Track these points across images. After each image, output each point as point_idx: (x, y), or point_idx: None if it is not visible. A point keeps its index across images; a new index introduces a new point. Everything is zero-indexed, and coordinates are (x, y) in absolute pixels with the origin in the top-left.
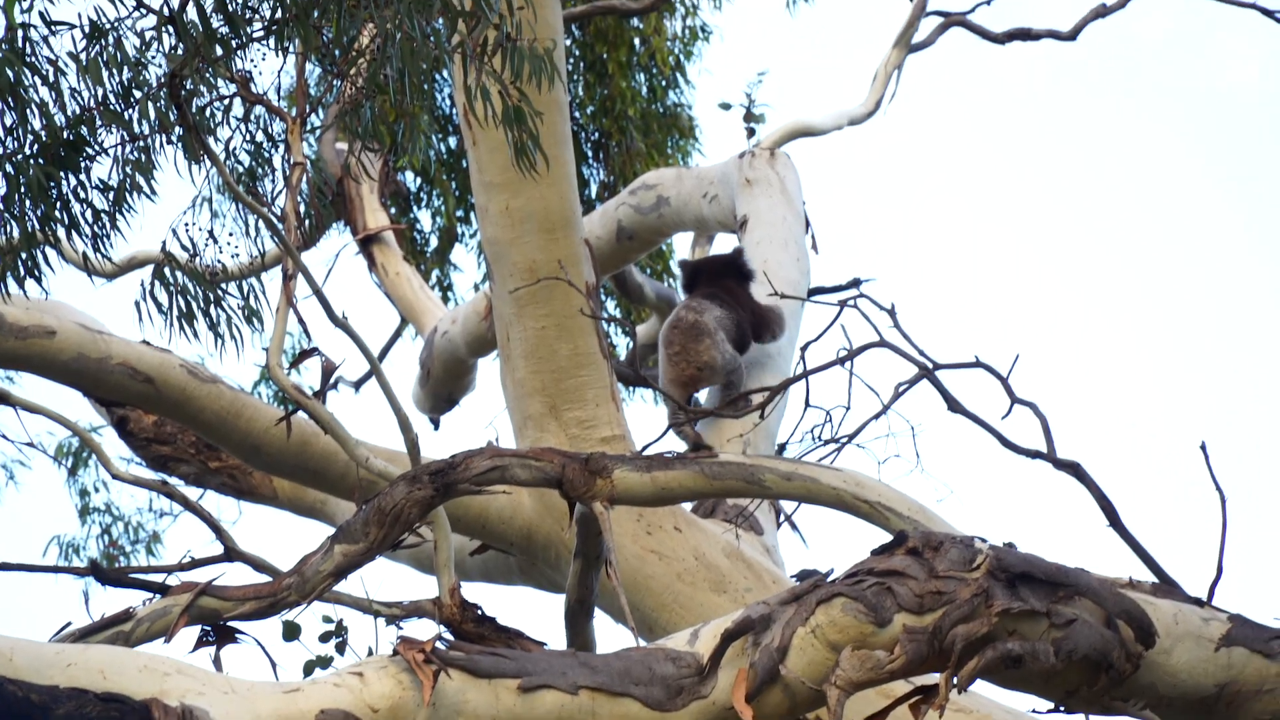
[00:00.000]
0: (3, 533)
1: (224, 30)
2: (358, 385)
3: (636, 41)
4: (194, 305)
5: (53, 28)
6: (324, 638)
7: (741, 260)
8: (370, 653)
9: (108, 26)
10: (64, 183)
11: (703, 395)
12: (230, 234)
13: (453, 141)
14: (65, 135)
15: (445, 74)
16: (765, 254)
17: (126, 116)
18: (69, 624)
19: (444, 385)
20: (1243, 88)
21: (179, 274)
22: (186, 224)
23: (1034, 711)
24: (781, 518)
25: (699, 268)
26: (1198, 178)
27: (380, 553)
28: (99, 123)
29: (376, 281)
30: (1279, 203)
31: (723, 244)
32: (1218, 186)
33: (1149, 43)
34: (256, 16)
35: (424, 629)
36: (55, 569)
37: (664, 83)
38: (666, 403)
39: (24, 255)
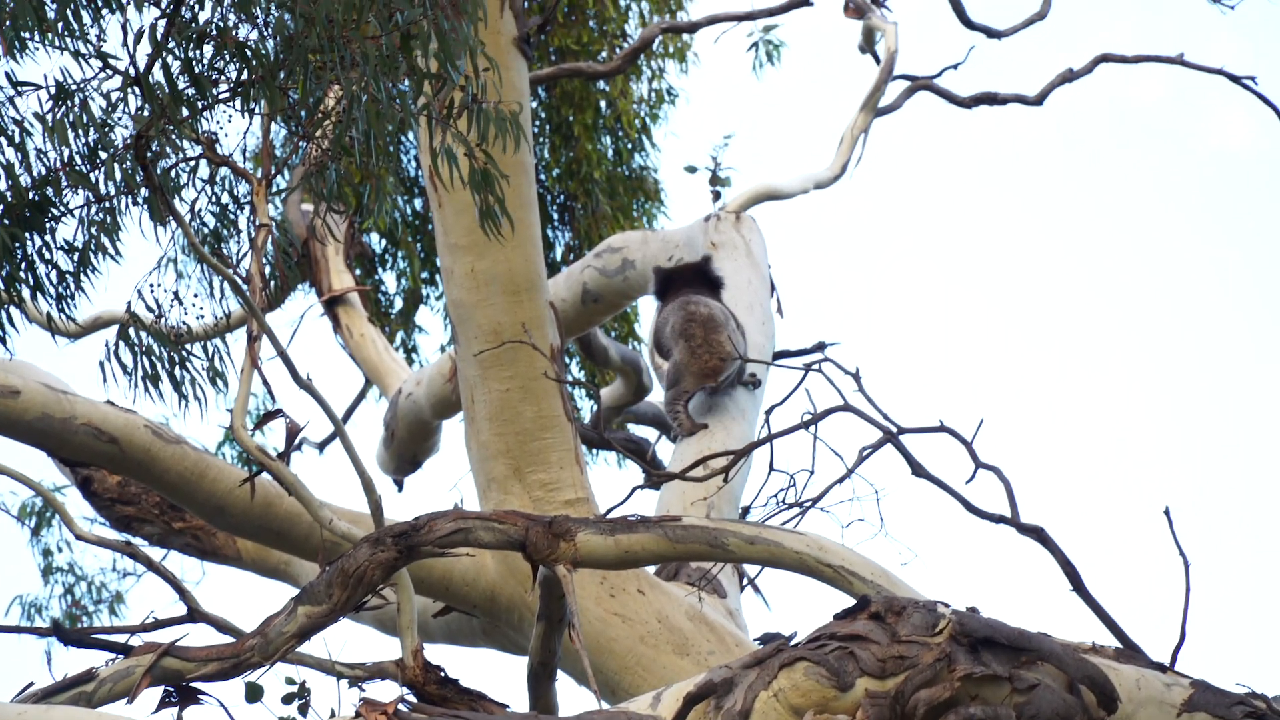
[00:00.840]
0: None
1: (190, 92)
2: (322, 447)
3: (603, 104)
4: (159, 366)
5: (18, 89)
6: (287, 699)
7: (710, 268)
8: (333, 715)
9: (74, 88)
10: (29, 243)
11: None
12: (195, 295)
13: (418, 203)
14: (31, 196)
15: (411, 136)
16: None
17: (92, 178)
18: (31, 684)
19: (408, 447)
20: (1223, 152)
21: (144, 334)
22: (152, 285)
23: None
24: (745, 581)
25: (671, 274)
26: (1167, 242)
27: (344, 614)
28: (65, 183)
29: (341, 343)
30: (1247, 267)
31: None
32: (1185, 251)
33: (1121, 106)
34: (223, 78)
35: (387, 691)
36: (18, 629)
37: (630, 146)
38: (666, 393)
39: None
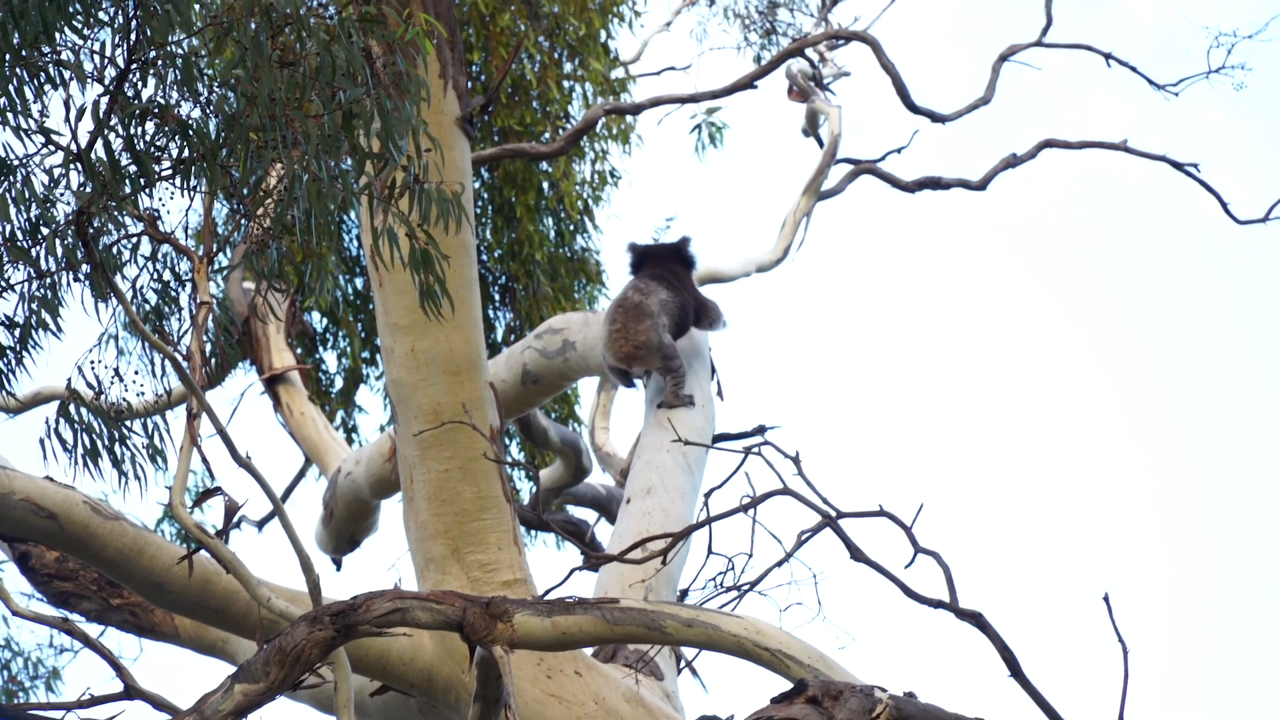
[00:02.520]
0: None
1: (132, 168)
2: (261, 525)
3: (546, 185)
4: (98, 442)
5: None
6: None
7: (687, 247)
8: None
9: (16, 163)
10: None
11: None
12: (136, 372)
13: (359, 283)
14: None
15: (353, 214)
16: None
17: (34, 253)
18: None
19: (347, 526)
20: (1169, 232)
21: (84, 411)
22: (92, 361)
23: None
24: (682, 664)
25: (646, 251)
26: (1106, 325)
27: (281, 692)
28: (6, 259)
29: (281, 421)
30: (1190, 351)
31: (626, 393)
32: (1125, 335)
33: (1065, 191)
34: (164, 155)
35: None
36: None
37: (572, 227)
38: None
39: None
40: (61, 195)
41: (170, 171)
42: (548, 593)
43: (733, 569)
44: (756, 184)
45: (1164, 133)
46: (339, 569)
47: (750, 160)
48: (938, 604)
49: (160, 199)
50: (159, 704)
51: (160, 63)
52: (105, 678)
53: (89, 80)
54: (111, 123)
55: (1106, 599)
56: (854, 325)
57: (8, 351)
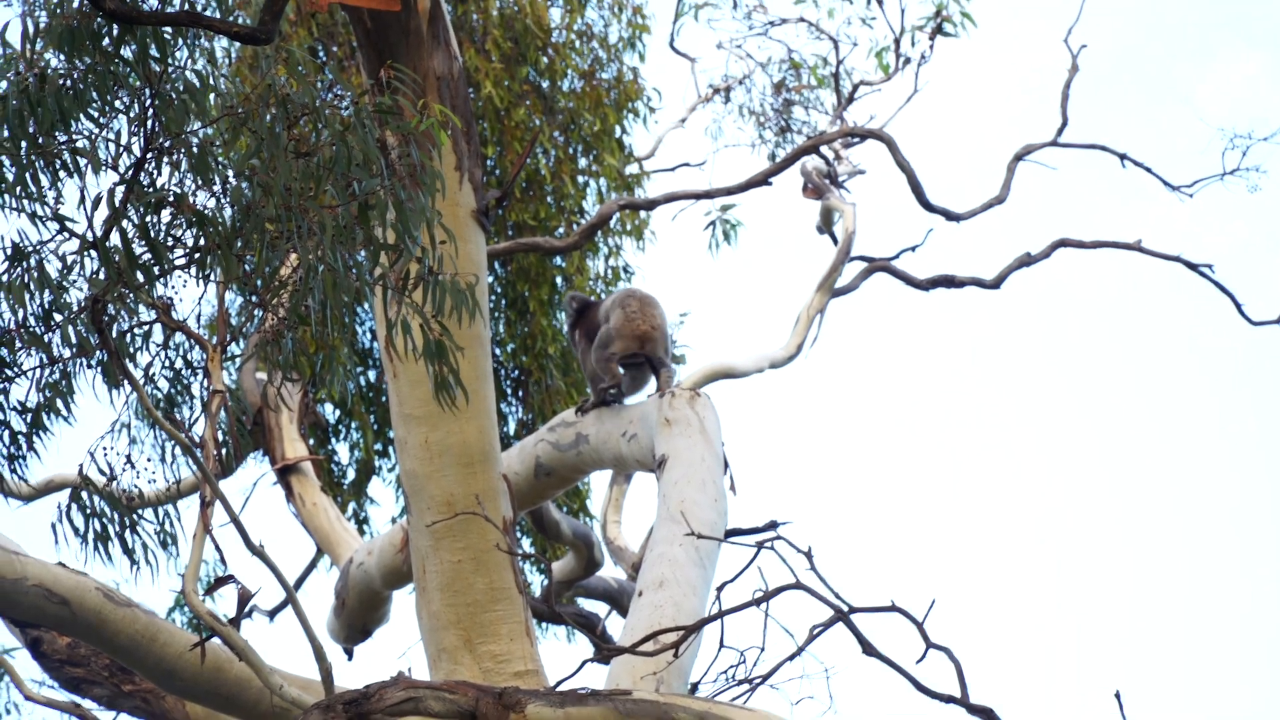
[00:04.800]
0: None
1: (146, 257)
2: (272, 614)
3: (559, 279)
4: (110, 529)
5: None
6: None
7: None
8: None
9: (30, 249)
10: None
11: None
12: (148, 460)
13: (372, 375)
14: None
15: (367, 306)
16: (683, 494)
17: (46, 339)
18: None
19: (358, 616)
20: (1183, 331)
21: (96, 498)
22: (105, 448)
23: None
24: None
25: (587, 302)
26: (1122, 425)
27: None
28: (19, 344)
29: (294, 511)
30: (1207, 448)
31: (641, 482)
32: (1141, 435)
33: (1081, 289)
34: (179, 244)
35: None
36: None
37: None
38: (593, 357)
39: None
40: (75, 282)
41: (185, 260)
42: (560, 684)
43: (744, 662)
44: (770, 280)
45: (1182, 234)
46: (350, 658)
47: (764, 257)
48: (949, 699)
49: (174, 287)
50: None
51: (176, 152)
52: None
53: (104, 168)
54: (127, 211)
55: (1118, 696)
56: (867, 422)
57: (20, 437)
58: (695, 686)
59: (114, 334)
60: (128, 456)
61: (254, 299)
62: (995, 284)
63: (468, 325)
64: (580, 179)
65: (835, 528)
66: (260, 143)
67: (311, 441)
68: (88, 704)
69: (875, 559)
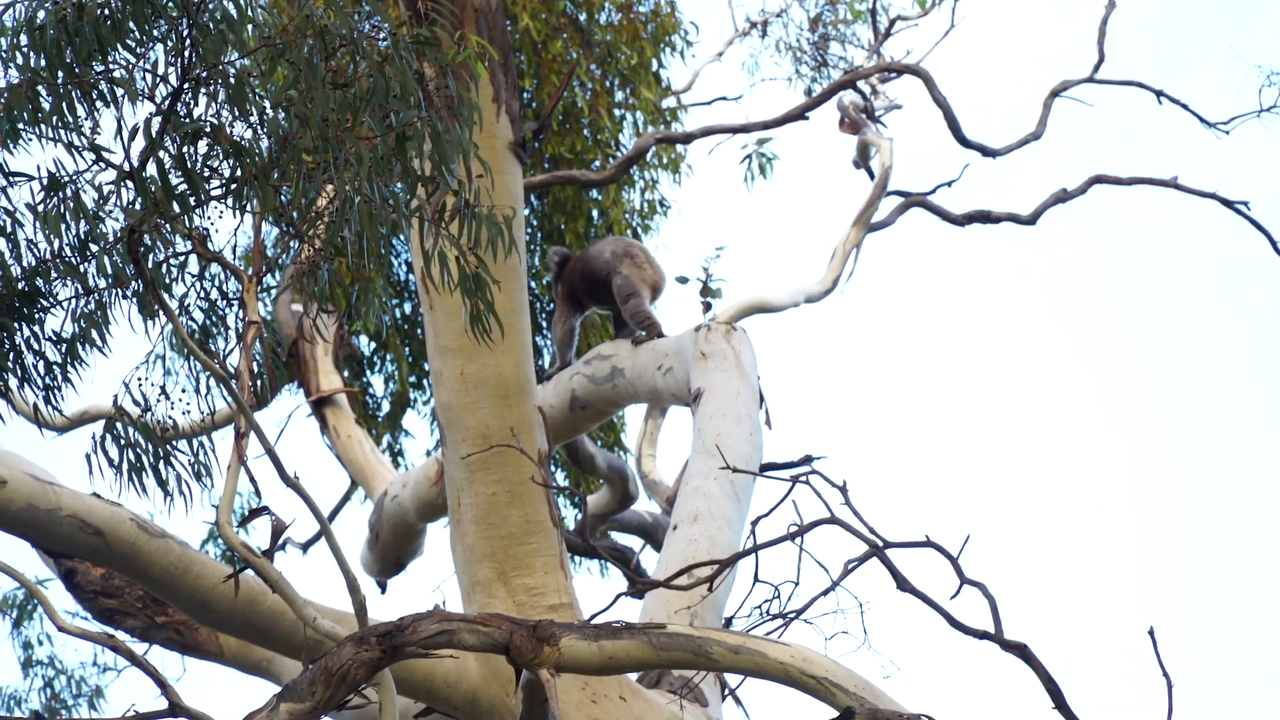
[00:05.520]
0: None
1: (183, 187)
2: (305, 547)
3: (595, 213)
4: (144, 460)
5: (10, 179)
6: None
7: None
8: None
9: (66, 179)
10: (17, 333)
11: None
12: (183, 390)
13: (407, 308)
14: (20, 286)
15: (402, 238)
16: (718, 428)
17: (82, 269)
18: None
19: (392, 549)
20: (1220, 260)
21: (130, 429)
22: (139, 379)
23: None
24: (726, 691)
25: (568, 256)
26: (1159, 359)
27: (325, 712)
28: (55, 275)
29: (328, 443)
30: (1242, 381)
31: (676, 417)
32: (1176, 367)
33: (1115, 226)
34: (216, 175)
35: None
36: None
37: None
38: (623, 305)
39: None
40: (111, 212)
41: (221, 191)
42: (594, 617)
43: (779, 597)
44: (806, 215)
45: (1219, 174)
46: (384, 592)
47: (800, 191)
48: (983, 635)
49: (210, 218)
50: None
51: (213, 83)
52: (149, 697)
53: (141, 98)
54: (164, 141)
55: (1151, 633)
56: (902, 356)
57: (55, 368)
58: (729, 621)
59: (150, 265)
60: (162, 387)
61: (290, 230)
62: (1031, 220)
63: (504, 258)
64: (617, 112)
65: (870, 463)
66: (298, 74)
67: (346, 374)
68: (121, 636)
69: (910, 494)
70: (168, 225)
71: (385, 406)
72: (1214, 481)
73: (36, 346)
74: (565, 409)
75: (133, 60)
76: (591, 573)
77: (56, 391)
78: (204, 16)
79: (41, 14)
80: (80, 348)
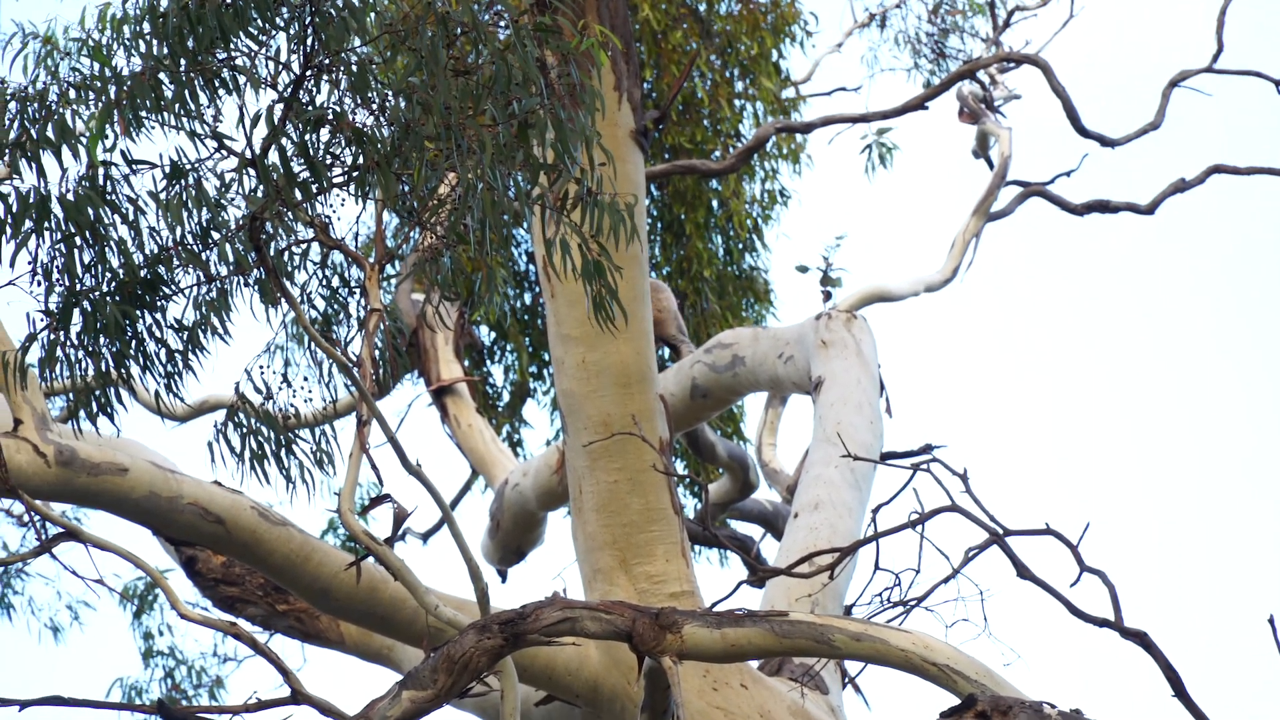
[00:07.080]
0: (65, 674)
1: (305, 174)
2: (425, 537)
3: (715, 203)
4: (266, 448)
5: (133, 167)
6: None
7: None
8: None
9: (188, 167)
10: (140, 321)
11: None
12: (304, 379)
13: (528, 298)
14: (142, 274)
15: (523, 228)
16: (839, 416)
17: (204, 257)
18: None
19: (513, 538)
20: None
21: (252, 417)
22: (261, 367)
23: None
24: (846, 679)
25: None
26: (1277, 354)
27: (448, 700)
28: (176, 262)
29: (449, 432)
30: None
31: (796, 405)
32: None
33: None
34: (338, 162)
35: None
36: (121, 705)
37: (741, 245)
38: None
39: (97, 392)
40: (232, 199)
41: (343, 179)
42: (716, 605)
43: (899, 585)
44: (925, 204)
45: None
46: (504, 580)
47: (920, 181)
48: (1103, 622)
49: (331, 206)
50: (326, 709)
51: (335, 70)
52: (269, 685)
53: (263, 86)
54: (286, 129)
55: (1271, 621)
56: (1021, 346)
57: (177, 355)
58: (850, 609)
59: (271, 252)
60: (284, 375)
61: (410, 219)
62: (1150, 209)
63: (625, 246)
64: (737, 102)
65: (989, 452)
66: (420, 61)
67: (466, 363)
68: (242, 624)
69: (1030, 483)
70: (289, 213)
71: (505, 396)
72: None
73: (159, 334)
74: (686, 397)
75: (254, 48)
76: (711, 562)
77: (178, 379)
78: (326, 4)
79: (164, 2)
80: (202, 335)
